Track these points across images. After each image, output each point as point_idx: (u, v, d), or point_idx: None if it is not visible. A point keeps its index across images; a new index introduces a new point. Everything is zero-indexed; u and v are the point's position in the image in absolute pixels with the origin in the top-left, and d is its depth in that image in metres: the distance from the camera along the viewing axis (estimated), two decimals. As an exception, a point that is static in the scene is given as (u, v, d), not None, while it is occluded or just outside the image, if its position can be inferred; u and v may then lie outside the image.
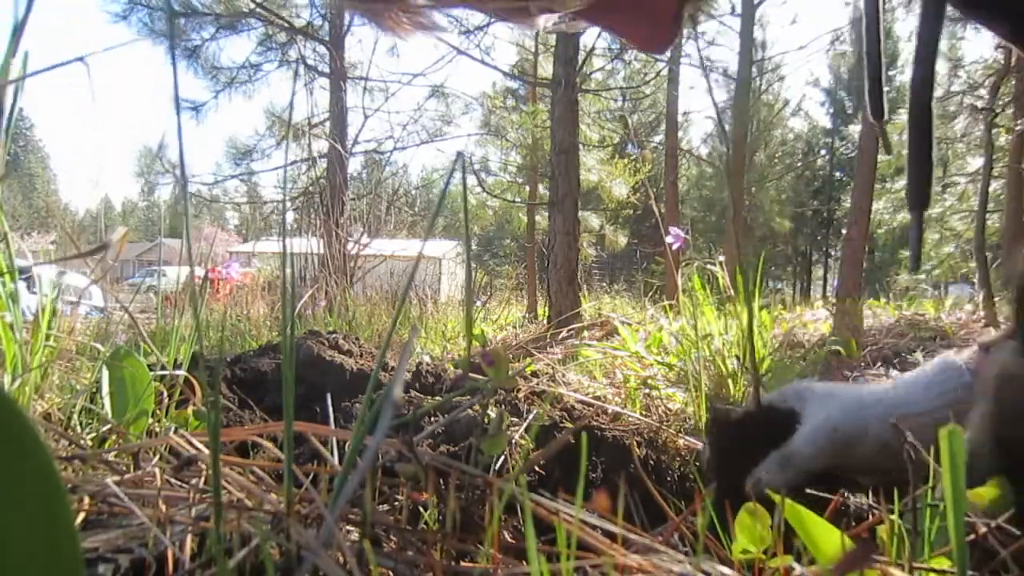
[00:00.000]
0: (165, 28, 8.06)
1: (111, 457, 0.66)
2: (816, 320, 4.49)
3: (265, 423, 1.00)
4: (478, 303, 6.01)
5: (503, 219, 13.80)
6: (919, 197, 0.71)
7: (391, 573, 0.44)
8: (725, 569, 0.37)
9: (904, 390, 0.75)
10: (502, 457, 0.87)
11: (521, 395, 1.18)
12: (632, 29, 0.68)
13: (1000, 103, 7.31)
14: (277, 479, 0.63)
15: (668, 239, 2.06)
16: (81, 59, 0.62)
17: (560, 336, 3.12)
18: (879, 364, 2.45)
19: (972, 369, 0.73)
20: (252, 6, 8.07)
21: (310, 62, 8.64)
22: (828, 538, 0.46)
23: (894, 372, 2.28)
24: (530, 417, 1.02)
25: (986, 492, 0.54)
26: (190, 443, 0.58)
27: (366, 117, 8.67)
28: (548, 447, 0.88)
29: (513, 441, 0.92)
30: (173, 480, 0.57)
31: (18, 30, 0.61)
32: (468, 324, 0.48)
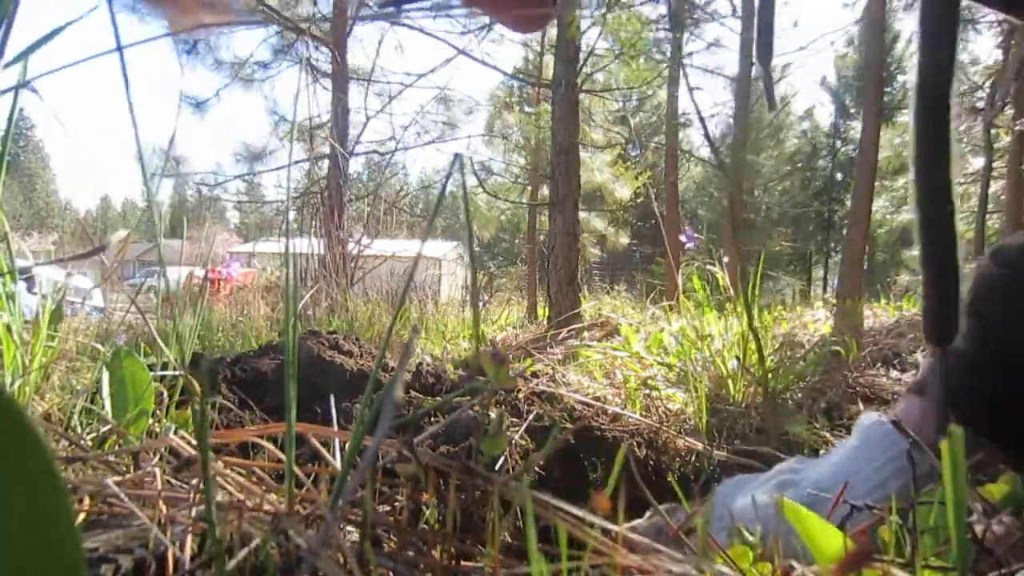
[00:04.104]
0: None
1: (111, 457, 0.66)
2: (816, 320, 4.49)
3: (265, 423, 1.01)
4: (479, 303, 6.00)
5: (507, 221, 13.80)
6: (939, 325, 0.49)
7: (391, 573, 0.44)
8: (725, 569, 0.37)
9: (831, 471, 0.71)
10: (502, 457, 0.88)
11: (521, 395, 1.18)
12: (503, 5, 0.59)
13: (999, 103, 7.31)
14: (278, 479, 0.63)
15: (682, 238, 2.07)
16: (28, 84, 0.62)
17: (560, 336, 3.12)
18: (879, 364, 2.45)
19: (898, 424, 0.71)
20: (258, 6, 8.08)
21: (313, 62, 8.65)
22: (828, 538, 0.46)
23: (894, 372, 2.28)
24: (530, 417, 1.02)
25: (997, 489, 0.54)
26: (190, 444, 0.58)
27: (368, 118, 8.68)
28: (548, 447, 0.88)
29: (513, 441, 0.92)
30: (173, 480, 0.58)
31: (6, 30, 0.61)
32: (476, 322, 0.48)
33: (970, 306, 0.69)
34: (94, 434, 0.81)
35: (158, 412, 0.84)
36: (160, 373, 0.88)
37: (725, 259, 2.04)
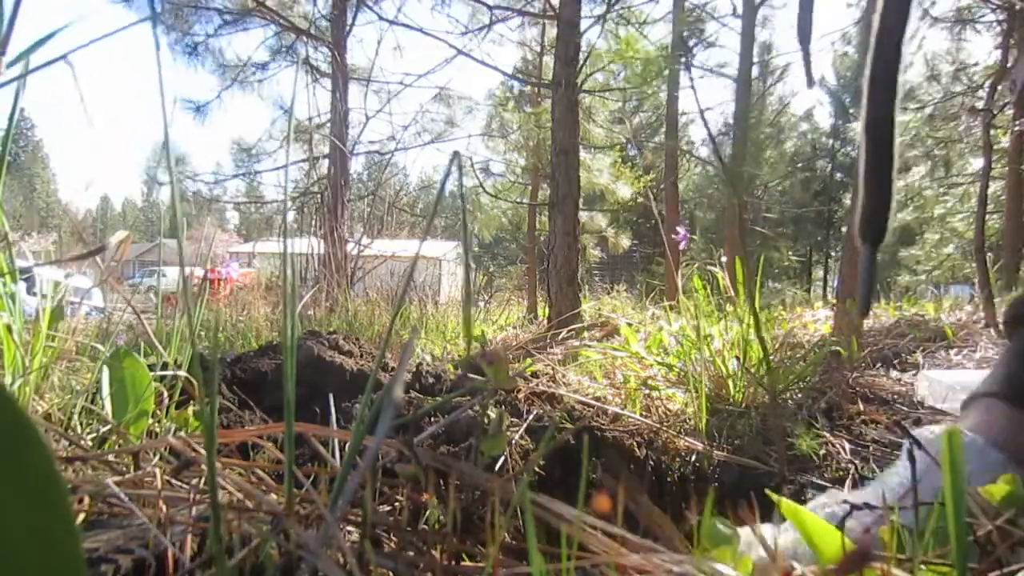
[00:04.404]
0: (169, 22, 8.04)
1: (111, 457, 0.66)
2: (816, 320, 4.48)
3: (265, 424, 1.00)
4: (478, 304, 6.00)
5: (507, 222, 13.79)
6: (873, 227, 0.58)
7: (391, 573, 0.44)
8: (725, 569, 0.37)
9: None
10: (502, 457, 0.87)
11: (521, 395, 1.18)
12: None
13: (999, 103, 7.31)
14: (277, 479, 0.63)
15: (674, 236, 2.08)
16: (64, 58, 0.62)
17: (560, 337, 3.12)
18: (879, 364, 2.45)
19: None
20: (258, 5, 8.10)
21: (312, 62, 8.66)
22: (828, 538, 0.46)
23: (894, 372, 2.28)
24: (530, 417, 1.02)
25: (996, 490, 0.54)
26: (190, 444, 0.58)
27: (368, 118, 8.68)
28: (547, 447, 0.88)
29: (513, 441, 0.92)
30: (173, 481, 0.57)
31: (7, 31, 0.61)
32: (467, 323, 0.48)
33: None
34: (94, 434, 0.81)
35: (158, 412, 0.84)
36: (160, 373, 0.88)
37: (724, 259, 2.04)
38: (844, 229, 4.20)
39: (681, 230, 2.10)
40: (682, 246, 2.10)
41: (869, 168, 0.59)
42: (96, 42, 0.60)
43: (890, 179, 0.58)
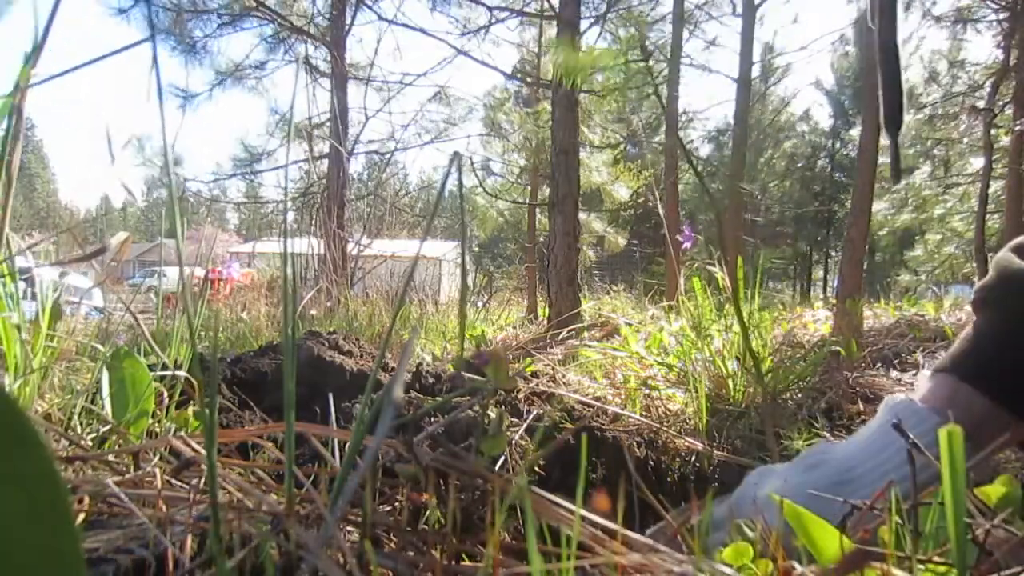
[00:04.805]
0: (167, 25, 8.04)
1: (111, 457, 0.66)
2: (816, 320, 4.49)
3: (265, 424, 1.00)
4: (478, 304, 6.00)
5: (507, 222, 13.76)
6: (894, 119, 0.79)
7: (391, 573, 0.44)
8: (725, 569, 0.37)
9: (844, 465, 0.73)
10: (502, 457, 0.87)
11: (521, 395, 1.18)
12: None
13: (1000, 103, 7.31)
14: (277, 480, 0.63)
15: (679, 238, 2.08)
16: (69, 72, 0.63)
17: (560, 336, 3.11)
18: (879, 364, 2.45)
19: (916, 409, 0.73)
20: (257, 5, 8.10)
21: (312, 61, 8.66)
22: (828, 538, 0.46)
23: (894, 372, 2.28)
24: (530, 417, 1.02)
25: (993, 490, 0.54)
26: (190, 444, 0.58)
27: (367, 118, 8.68)
28: (547, 447, 0.88)
29: (513, 441, 0.92)
30: (173, 481, 0.58)
31: (38, 47, 0.61)
32: (462, 322, 0.48)
33: (998, 296, 0.75)
34: (94, 434, 0.81)
35: (158, 412, 0.84)
36: (160, 373, 0.88)
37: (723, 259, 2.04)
38: (844, 231, 4.20)
39: (686, 230, 2.10)
40: (687, 246, 2.10)
41: (886, 78, 0.78)
42: (93, 63, 0.60)
43: (900, 84, 0.78)
